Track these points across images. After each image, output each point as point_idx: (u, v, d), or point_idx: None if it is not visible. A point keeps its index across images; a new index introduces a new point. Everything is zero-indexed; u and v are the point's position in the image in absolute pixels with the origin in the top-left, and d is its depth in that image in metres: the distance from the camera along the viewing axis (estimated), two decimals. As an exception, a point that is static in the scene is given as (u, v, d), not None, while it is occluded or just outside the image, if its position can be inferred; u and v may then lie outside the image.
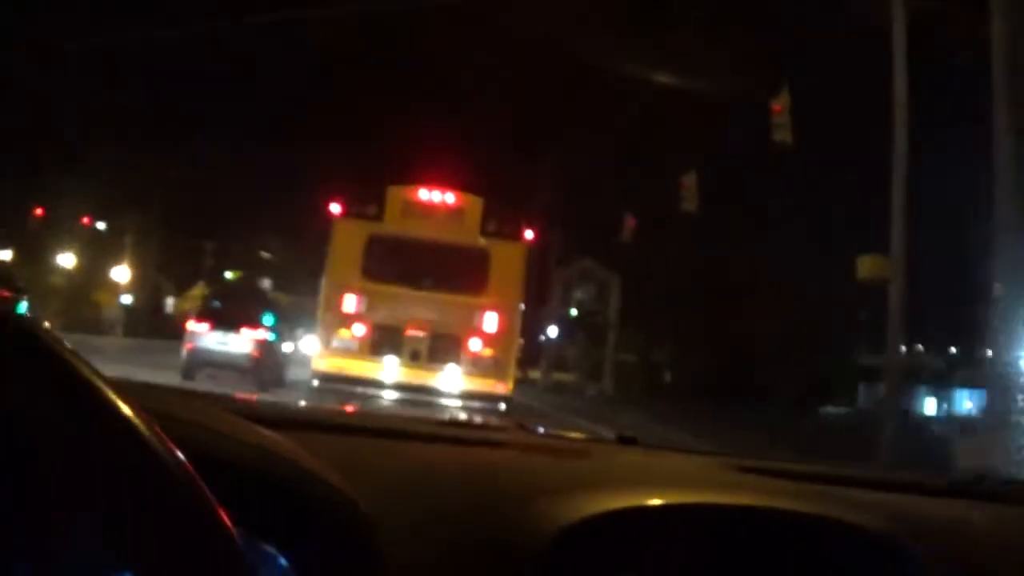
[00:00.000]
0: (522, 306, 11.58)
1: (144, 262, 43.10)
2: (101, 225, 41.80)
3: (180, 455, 0.55)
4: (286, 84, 34.43)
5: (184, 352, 15.28)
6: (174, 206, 38.96)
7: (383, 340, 10.84)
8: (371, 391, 10.76)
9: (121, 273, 41.96)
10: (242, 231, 47.29)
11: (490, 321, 10.91)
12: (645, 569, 1.04)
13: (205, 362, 15.03)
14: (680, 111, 22.28)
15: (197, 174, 37.12)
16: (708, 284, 32.55)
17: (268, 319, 16.07)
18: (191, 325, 15.57)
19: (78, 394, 0.53)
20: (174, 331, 40.15)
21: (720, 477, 1.26)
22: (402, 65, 32.25)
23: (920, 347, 37.84)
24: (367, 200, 11.07)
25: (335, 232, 11.12)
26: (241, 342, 15.20)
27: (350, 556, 0.83)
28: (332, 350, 10.92)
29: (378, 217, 10.98)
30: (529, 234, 11.35)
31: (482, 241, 10.95)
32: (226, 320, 15.44)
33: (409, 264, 10.86)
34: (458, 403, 10.78)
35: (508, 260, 11.03)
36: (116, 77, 29.01)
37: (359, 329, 10.87)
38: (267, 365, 15.39)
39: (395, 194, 11.14)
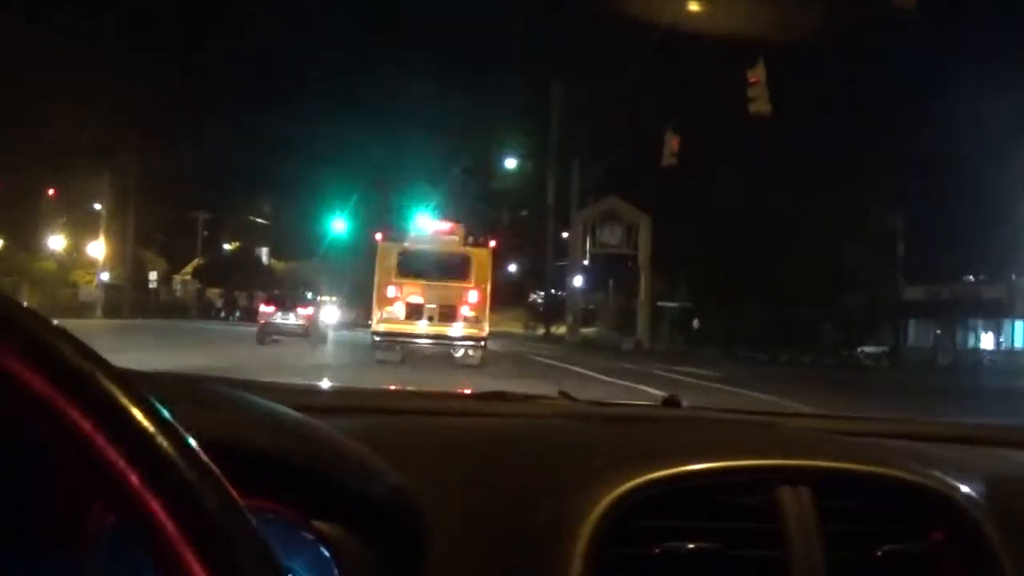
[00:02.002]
0: (488, 285, 19.68)
1: (122, 236, 39.75)
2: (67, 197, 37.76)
3: (192, 443, 0.53)
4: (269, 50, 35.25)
5: (258, 325, 23.20)
6: (156, 175, 36.73)
7: (412, 311, 18.80)
8: (409, 341, 18.78)
9: (97, 249, 39.23)
10: (233, 197, 45.95)
11: (472, 296, 18.98)
12: (699, 534, 1.02)
13: (274, 332, 22.92)
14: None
15: (182, 141, 36.10)
16: (758, 216, 29.70)
17: (309, 299, 24.27)
18: (263, 308, 23.55)
19: (73, 383, 0.51)
20: (165, 310, 41.34)
21: (768, 437, 1.24)
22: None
23: (971, 277, 35.55)
24: (398, 230, 19.05)
25: (380, 250, 19.04)
26: (296, 317, 23.22)
27: (395, 541, 0.85)
28: (383, 319, 18.85)
29: (404, 240, 18.91)
30: (492, 243, 19.48)
31: (466, 250, 18.97)
32: (284, 304, 23.61)
33: (424, 266, 18.80)
34: (459, 343, 18.90)
35: (481, 259, 19.11)
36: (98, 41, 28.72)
37: (398, 306, 18.82)
38: (313, 330, 23.47)
39: (413, 226, 19.13)
